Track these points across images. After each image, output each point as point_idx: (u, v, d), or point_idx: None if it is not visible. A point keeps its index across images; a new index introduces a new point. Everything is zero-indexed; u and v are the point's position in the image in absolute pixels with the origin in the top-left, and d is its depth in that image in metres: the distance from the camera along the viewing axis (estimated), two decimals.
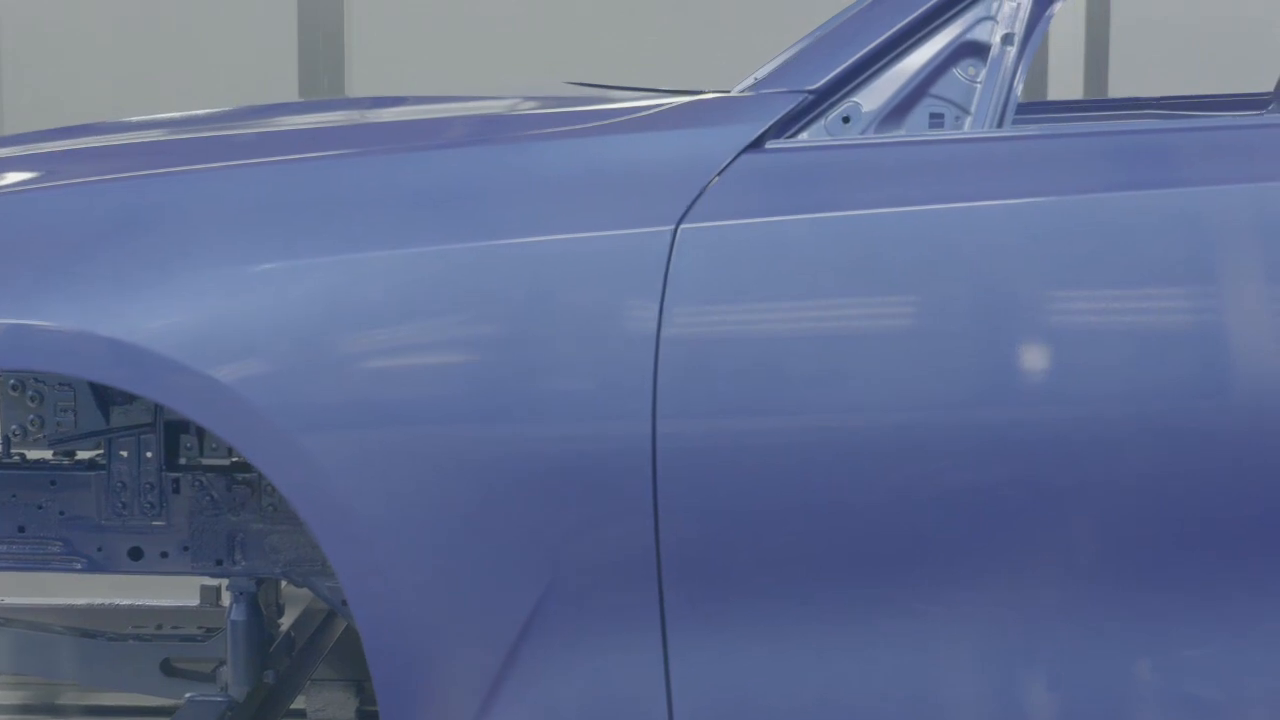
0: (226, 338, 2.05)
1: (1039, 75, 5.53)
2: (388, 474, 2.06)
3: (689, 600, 2.08)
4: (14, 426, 2.39)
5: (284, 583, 2.64)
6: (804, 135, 2.14)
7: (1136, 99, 2.95)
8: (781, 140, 2.13)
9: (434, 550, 2.08)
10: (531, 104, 2.45)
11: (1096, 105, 3.06)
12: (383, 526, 2.07)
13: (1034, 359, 2.04)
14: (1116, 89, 5.25)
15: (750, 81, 2.19)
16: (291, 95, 5.08)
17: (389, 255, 2.07)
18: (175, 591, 3.23)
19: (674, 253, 2.04)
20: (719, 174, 2.09)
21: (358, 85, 5.08)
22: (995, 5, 2.16)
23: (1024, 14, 2.15)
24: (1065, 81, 5.44)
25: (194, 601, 2.78)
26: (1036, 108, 3.10)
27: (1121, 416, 2.03)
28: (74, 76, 4.98)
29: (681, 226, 2.05)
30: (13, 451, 2.43)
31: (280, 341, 2.05)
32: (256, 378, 2.04)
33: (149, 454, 2.40)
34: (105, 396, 2.38)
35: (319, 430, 2.05)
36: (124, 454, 2.40)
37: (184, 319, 2.05)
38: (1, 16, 5.00)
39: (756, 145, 2.11)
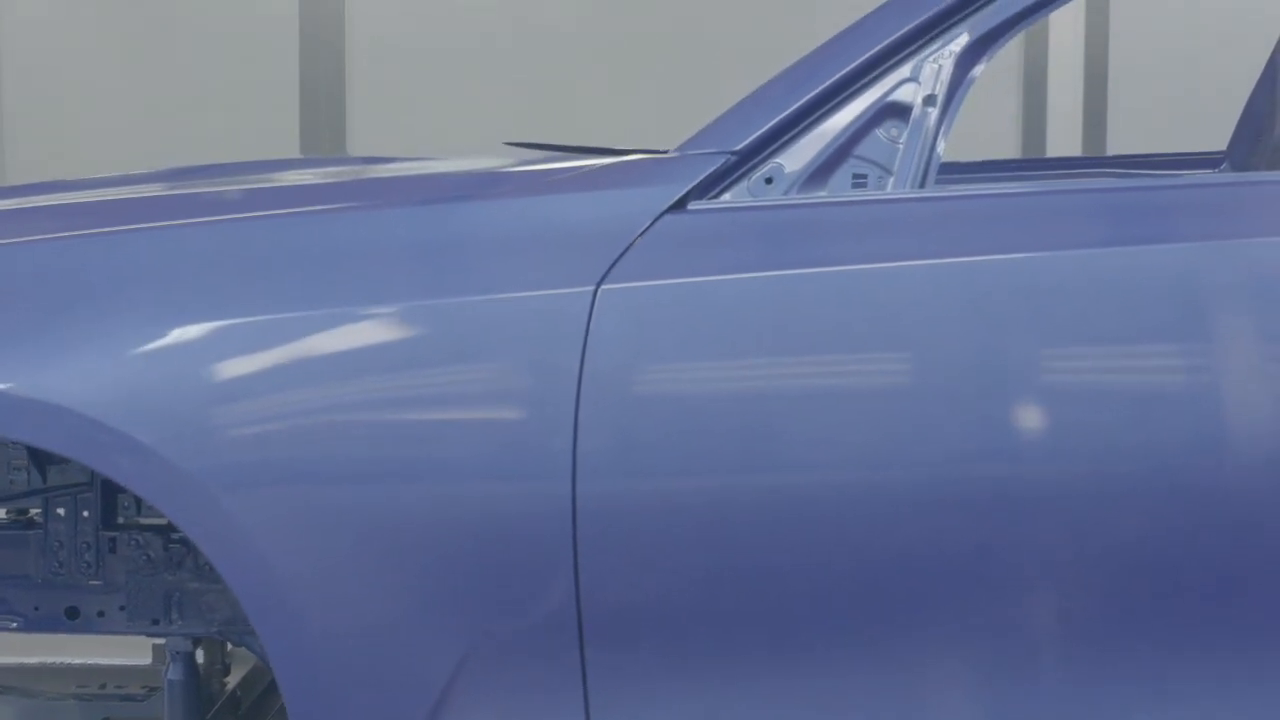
0: (149, 398, 2.06)
1: (1038, 133, 5.54)
2: (309, 534, 2.06)
3: (610, 661, 2.08)
4: None
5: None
6: (726, 196, 2.15)
7: (1091, 159, 2.95)
8: (704, 201, 2.14)
9: (355, 610, 2.09)
10: (459, 165, 2.47)
11: (1054, 164, 3.06)
12: (303, 587, 2.07)
13: (957, 416, 2.04)
14: (1115, 146, 5.25)
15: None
16: (293, 150, 5.12)
17: (311, 316, 2.09)
18: (131, 651, 3.24)
19: (594, 313, 2.05)
20: (640, 235, 2.09)
21: (358, 141, 5.13)
22: (917, 67, 2.16)
23: (945, 76, 2.16)
24: (1064, 137, 5.45)
25: (146, 660, 2.78)
26: (987, 167, 3.11)
27: (1047, 476, 2.03)
28: (77, 129, 5.03)
29: (602, 287, 2.06)
30: None
31: (202, 402, 2.07)
32: (178, 438, 2.06)
33: (86, 513, 2.41)
34: (43, 455, 2.40)
35: (240, 490, 2.06)
36: (61, 512, 2.41)
37: (107, 380, 2.07)
38: (4, 70, 5.05)
39: (679, 206, 2.12)
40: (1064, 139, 5.43)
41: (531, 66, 5.16)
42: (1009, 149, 5.38)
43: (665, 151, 2.21)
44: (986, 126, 5.43)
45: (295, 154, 5.20)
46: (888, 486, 2.04)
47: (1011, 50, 5.55)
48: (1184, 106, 5.14)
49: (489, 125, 4.90)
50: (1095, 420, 2.03)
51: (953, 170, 2.95)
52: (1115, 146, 5.23)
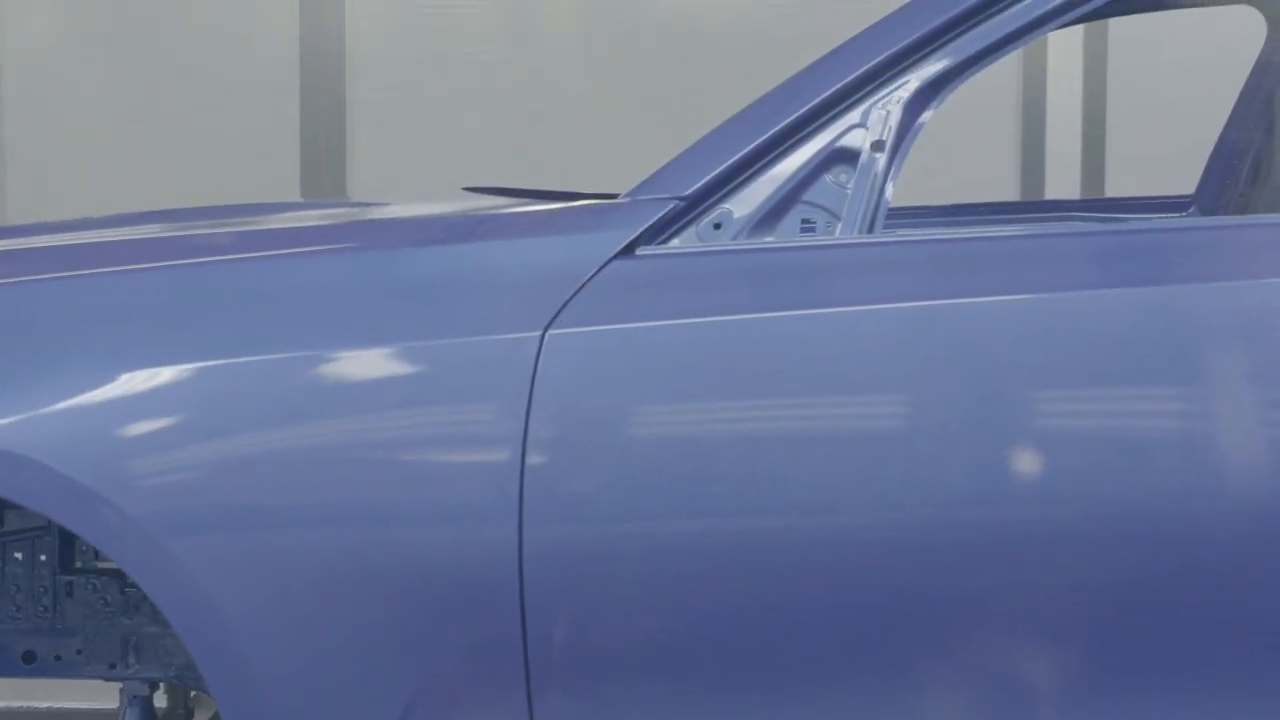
0: (94, 442, 2.07)
1: (1036, 176, 5.53)
2: (254, 579, 2.07)
3: (558, 707, 2.08)
4: None
5: None
6: (675, 241, 2.16)
7: (1060, 202, 2.96)
8: (652, 246, 2.15)
9: (302, 654, 2.09)
10: (413, 210, 2.48)
11: (1021, 208, 3.06)
12: (250, 631, 2.08)
13: (906, 459, 2.04)
14: (1114, 188, 5.24)
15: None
16: (294, 191, 5.14)
17: (258, 361, 2.09)
18: (97, 695, 3.25)
19: (541, 358, 2.06)
20: (588, 280, 2.10)
21: (359, 181, 5.15)
22: (865, 113, 2.17)
23: (894, 121, 2.17)
24: (1062, 180, 5.44)
25: (113, 704, 2.78)
26: (954, 211, 3.10)
27: (992, 519, 2.03)
28: (77, 170, 5.05)
29: (549, 332, 2.07)
30: None
31: (148, 447, 2.07)
32: (124, 482, 2.06)
33: (43, 557, 2.41)
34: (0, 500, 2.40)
35: (186, 535, 2.07)
36: (18, 556, 2.41)
37: (53, 424, 2.08)
38: (5, 113, 5.08)
39: (628, 251, 2.13)
40: (1062, 182, 5.43)
41: (533, 110, 5.18)
42: (1007, 192, 5.37)
43: (616, 196, 2.22)
44: (985, 170, 5.43)
45: (296, 194, 5.22)
46: (839, 530, 2.04)
47: (1010, 93, 5.55)
48: (1183, 148, 5.12)
49: (489, 168, 4.91)
50: (1048, 464, 2.03)
51: (919, 214, 2.96)
52: (1114, 189, 5.23)
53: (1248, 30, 4.46)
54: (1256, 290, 2.09)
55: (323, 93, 5.21)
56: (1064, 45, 5.47)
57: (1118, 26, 5.38)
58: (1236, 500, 2.03)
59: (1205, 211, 2.95)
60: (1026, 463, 2.02)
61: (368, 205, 2.46)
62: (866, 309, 2.09)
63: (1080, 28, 5.38)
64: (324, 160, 5.21)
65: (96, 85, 5.19)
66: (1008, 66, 5.51)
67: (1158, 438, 2.06)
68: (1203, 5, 2.65)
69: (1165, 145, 5.08)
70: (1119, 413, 2.08)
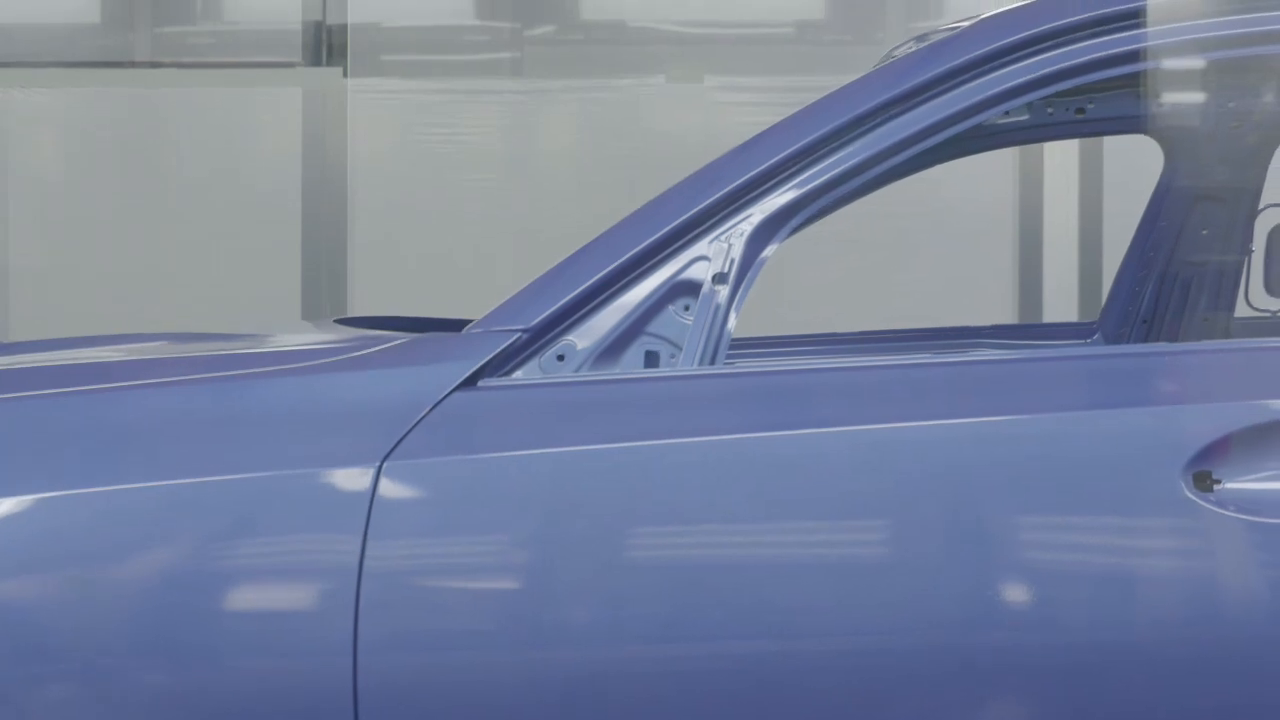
0: None
1: (1034, 299, 5.52)
2: (87, 711, 2.07)
3: None
4: None
5: None
6: (519, 373, 2.16)
7: (968, 328, 2.95)
8: (495, 378, 2.15)
9: None
10: (266, 342, 2.50)
11: (937, 335, 3.05)
12: None
13: (744, 593, 2.04)
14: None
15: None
16: (294, 313, 5.18)
17: (94, 493, 2.10)
18: None
19: (377, 490, 2.07)
20: (429, 411, 2.11)
21: (358, 306, 5.20)
22: (708, 246, 2.18)
23: (736, 254, 2.17)
24: (1060, 307, 5.43)
25: None
26: (881, 336, 3.08)
27: (814, 650, 2.03)
28: (82, 293, 5.12)
29: (386, 464, 2.08)
30: None
31: None
32: None
33: None
34: None
35: (19, 665, 2.08)
36: None
37: None
38: (11, 239, 5.17)
39: (470, 383, 2.14)
40: (1060, 306, 5.41)
41: (531, 235, 5.21)
42: (1005, 316, 5.35)
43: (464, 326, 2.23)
44: (983, 294, 5.41)
45: (297, 316, 5.27)
46: (682, 660, 2.04)
47: (1006, 216, 5.55)
48: None
49: (487, 291, 4.94)
50: (891, 597, 2.02)
51: (830, 341, 2.95)
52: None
53: None
54: (1155, 417, 2.07)
55: (324, 217, 5.26)
56: (1060, 170, 5.47)
57: (1114, 150, 5.37)
58: (1080, 631, 2.01)
59: (1109, 339, 2.95)
60: (866, 596, 2.02)
61: (226, 338, 2.49)
62: (706, 440, 2.09)
63: (1076, 152, 5.38)
64: (325, 283, 5.25)
65: (101, 212, 5.26)
66: (1004, 192, 5.52)
67: (1041, 569, 2.05)
68: (1096, 136, 2.65)
69: None
70: (982, 539, 2.06)
